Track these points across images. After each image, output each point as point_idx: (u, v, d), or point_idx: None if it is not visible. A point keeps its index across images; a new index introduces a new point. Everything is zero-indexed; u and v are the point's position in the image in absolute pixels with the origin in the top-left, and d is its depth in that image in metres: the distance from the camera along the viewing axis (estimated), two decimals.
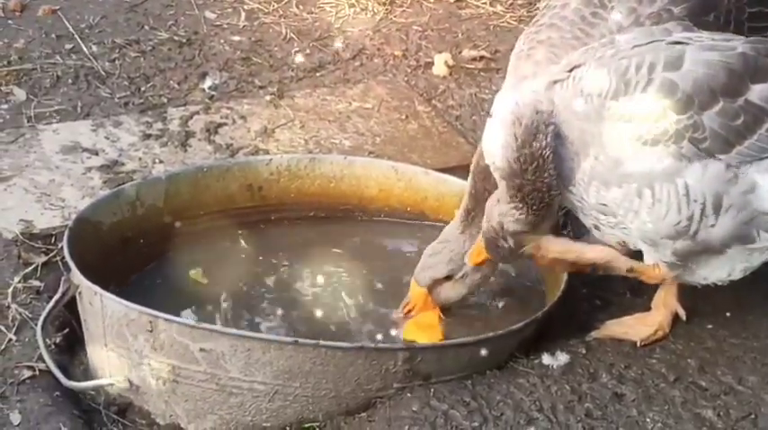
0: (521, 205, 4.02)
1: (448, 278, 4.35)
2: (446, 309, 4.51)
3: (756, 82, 3.82)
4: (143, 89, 5.72)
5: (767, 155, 3.84)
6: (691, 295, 4.38)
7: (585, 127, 3.88)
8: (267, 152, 5.22)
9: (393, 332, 4.45)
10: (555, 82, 3.96)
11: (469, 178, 4.45)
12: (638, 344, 4.30)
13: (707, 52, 3.84)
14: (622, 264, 4.15)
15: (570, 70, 3.95)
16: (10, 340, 4.38)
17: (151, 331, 4.06)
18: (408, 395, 4.11)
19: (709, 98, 3.77)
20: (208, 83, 5.76)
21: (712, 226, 3.87)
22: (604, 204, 3.92)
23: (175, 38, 6.05)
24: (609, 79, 3.84)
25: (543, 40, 4.24)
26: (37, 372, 4.27)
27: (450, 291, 4.40)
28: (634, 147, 3.83)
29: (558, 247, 4.15)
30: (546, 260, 4.18)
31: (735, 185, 3.84)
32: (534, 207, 3.99)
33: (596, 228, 4.04)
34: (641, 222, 3.90)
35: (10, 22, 6.07)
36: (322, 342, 4.07)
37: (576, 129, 3.89)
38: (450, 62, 5.99)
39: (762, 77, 3.82)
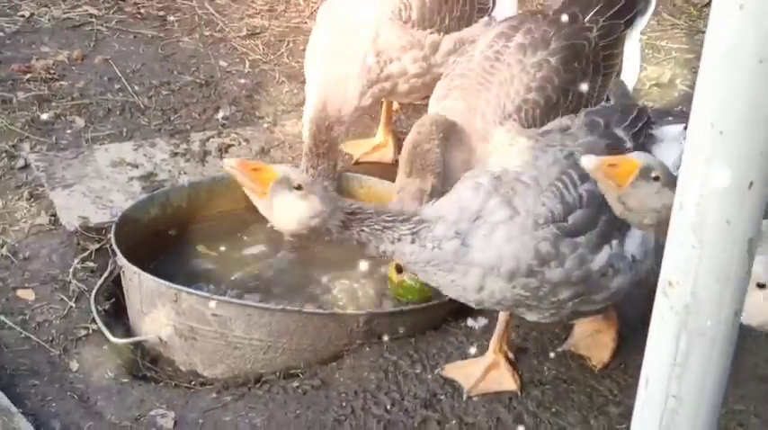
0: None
1: (298, 187, 3.63)
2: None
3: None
4: (172, 118, 5.84)
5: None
6: None
7: (536, 243, 3.66)
8: None
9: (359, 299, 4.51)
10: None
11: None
12: (468, 394, 4.12)
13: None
14: None
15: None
16: (71, 307, 4.57)
17: (176, 301, 4.21)
18: (367, 349, 4.27)
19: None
20: (221, 114, 5.87)
21: None
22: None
23: (197, 80, 6.13)
24: (553, 204, 3.67)
25: (456, 85, 4.43)
26: (90, 331, 4.47)
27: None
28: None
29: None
30: None
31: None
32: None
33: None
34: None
35: (73, 68, 6.15)
36: (303, 309, 4.28)
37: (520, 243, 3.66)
38: None
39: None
